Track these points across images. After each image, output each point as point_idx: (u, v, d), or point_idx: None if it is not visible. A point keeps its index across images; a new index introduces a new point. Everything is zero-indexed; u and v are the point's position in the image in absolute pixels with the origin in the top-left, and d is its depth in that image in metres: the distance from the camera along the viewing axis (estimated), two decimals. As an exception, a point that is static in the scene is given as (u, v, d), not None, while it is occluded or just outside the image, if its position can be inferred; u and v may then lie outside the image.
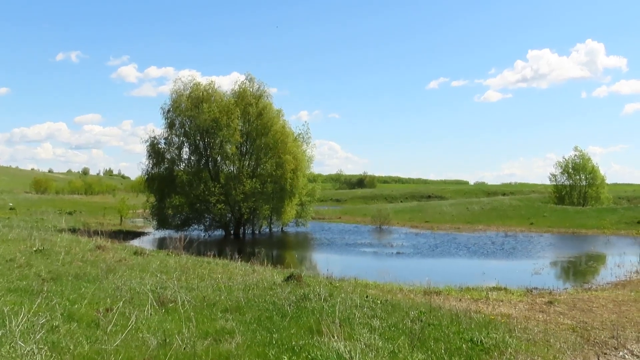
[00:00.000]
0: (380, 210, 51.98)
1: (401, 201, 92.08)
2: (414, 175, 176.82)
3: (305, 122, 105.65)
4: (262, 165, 39.66)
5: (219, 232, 40.13)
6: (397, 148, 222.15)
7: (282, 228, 46.55)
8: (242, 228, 41.06)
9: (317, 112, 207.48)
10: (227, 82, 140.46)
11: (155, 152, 39.62)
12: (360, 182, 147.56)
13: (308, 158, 44.82)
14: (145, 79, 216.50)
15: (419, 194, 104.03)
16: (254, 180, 37.79)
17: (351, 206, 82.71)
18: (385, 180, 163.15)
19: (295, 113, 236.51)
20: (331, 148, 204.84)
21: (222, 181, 38.33)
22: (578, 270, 23.57)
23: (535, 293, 13.69)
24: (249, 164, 40.08)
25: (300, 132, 44.94)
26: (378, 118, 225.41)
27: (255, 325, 6.82)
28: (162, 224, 38.41)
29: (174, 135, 39.75)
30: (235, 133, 37.29)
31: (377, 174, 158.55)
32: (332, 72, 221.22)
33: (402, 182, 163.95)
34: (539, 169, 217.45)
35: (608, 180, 67.68)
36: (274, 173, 38.27)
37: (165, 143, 39.82)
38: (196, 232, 38.60)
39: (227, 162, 39.85)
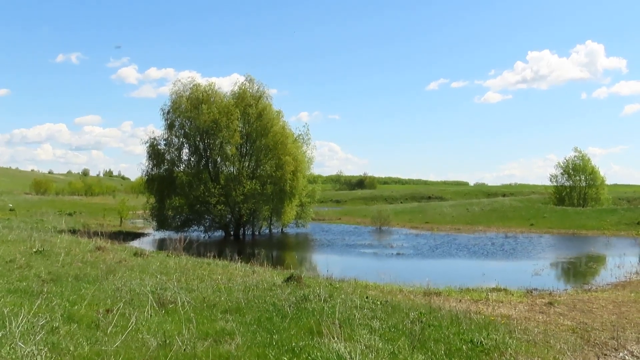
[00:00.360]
0: (380, 211, 51.97)
1: (401, 202, 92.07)
2: (414, 176, 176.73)
3: (305, 123, 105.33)
4: (262, 167, 39.70)
5: (219, 233, 40.13)
6: (397, 149, 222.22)
7: (282, 229, 46.52)
8: (242, 229, 41.06)
9: (317, 113, 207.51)
10: (227, 84, 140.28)
11: (155, 153, 39.63)
12: (360, 183, 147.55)
13: (308, 159, 44.93)
14: (145, 80, 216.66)
15: (419, 194, 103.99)
16: (253, 181, 37.81)
17: (351, 207, 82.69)
18: (385, 181, 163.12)
19: (295, 114, 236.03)
20: (331, 149, 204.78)
21: (222, 182, 38.32)
22: (578, 271, 23.58)
23: (535, 294, 13.71)
24: (248, 165, 40.10)
25: (300, 133, 45.18)
26: (378, 119, 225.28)
27: (255, 326, 6.82)
28: (162, 225, 38.43)
29: (173, 137, 39.80)
30: (235, 134, 37.31)
31: (377, 175, 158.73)
32: (332, 73, 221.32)
33: (402, 183, 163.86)
34: (539, 170, 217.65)
35: (608, 181, 67.76)
36: (273, 174, 38.29)
37: (165, 144, 39.88)
38: (196, 233, 38.64)
39: (227, 163, 39.88)
